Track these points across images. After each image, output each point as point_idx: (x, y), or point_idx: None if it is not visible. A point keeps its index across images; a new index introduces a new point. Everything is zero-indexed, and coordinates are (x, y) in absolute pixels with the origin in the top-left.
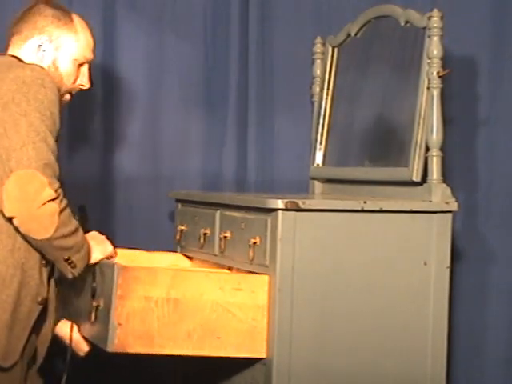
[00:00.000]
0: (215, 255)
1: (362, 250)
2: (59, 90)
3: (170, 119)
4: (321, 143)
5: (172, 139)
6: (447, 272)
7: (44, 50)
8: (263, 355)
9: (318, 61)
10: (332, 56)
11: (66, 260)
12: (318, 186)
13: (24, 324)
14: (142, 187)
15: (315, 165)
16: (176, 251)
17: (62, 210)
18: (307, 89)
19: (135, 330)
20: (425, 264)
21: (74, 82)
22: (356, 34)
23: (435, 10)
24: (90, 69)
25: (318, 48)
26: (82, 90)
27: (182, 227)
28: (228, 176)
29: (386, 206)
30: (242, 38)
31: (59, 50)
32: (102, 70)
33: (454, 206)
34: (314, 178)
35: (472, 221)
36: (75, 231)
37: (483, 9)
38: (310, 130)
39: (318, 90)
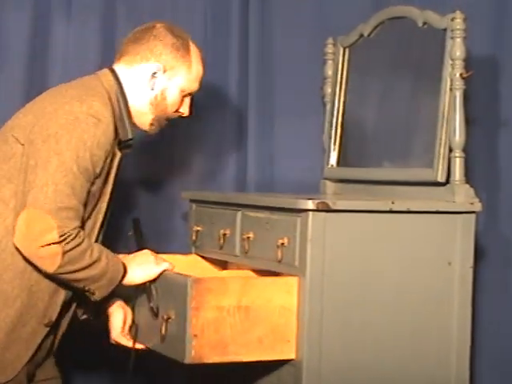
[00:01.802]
0: (236, 256)
1: (388, 250)
2: (159, 119)
3: None
4: (335, 143)
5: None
6: (471, 272)
7: (156, 78)
8: (293, 356)
9: (330, 61)
10: (343, 56)
11: (83, 288)
12: (329, 187)
13: (28, 344)
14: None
15: (329, 165)
16: (190, 252)
17: (67, 251)
18: (307, 89)
19: (210, 340)
20: (449, 264)
21: (176, 111)
22: (369, 35)
23: (458, 12)
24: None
25: (330, 48)
26: (180, 117)
27: (198, 228)
28: (228, 176)
29: (413, 207)
30: (243, 38)
31: (171, 80)
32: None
33: (477, 207)
34: (327, 179)
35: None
36: (89, 265)
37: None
38: (309, 129)
39: (329, 90)
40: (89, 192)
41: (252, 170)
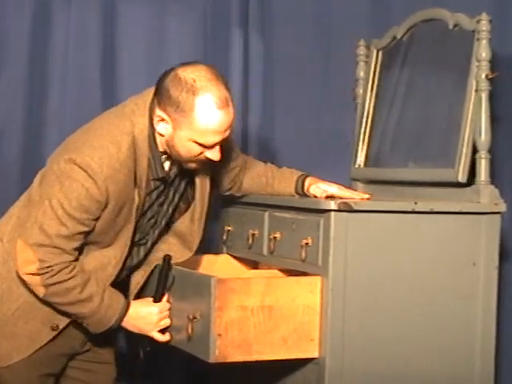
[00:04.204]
0: (264, 255)
1: (412, 251)
2: (186, 161)
3: None
4: (363, 144)
5: None
6: (496, 272)
7: (160, 125)
8: (315, 355)
9: (362, 63)
10: (376, 58)
11: (76, 319)
12: (359, 187)
13: (30, 342)
14: None
15: (357, 165)
16: (221, 252)
17: (50, 285)
18: (307, 89)
19: (234, 339)
20: (474, 264)
21: (200, 155)
22: (402, 37)
23: (484, 14)
24: (221, 145)
25: (362, 50)
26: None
27: (229, 227)
28: None
29: (436, 207)
30: (243, 38)
31: (176, 131)
32: (103, 70)
33: (502, 207)
34: (355, 179)
35: None
36: (77, 303)
37: None
38: (309, 130)
39: (361, 91)
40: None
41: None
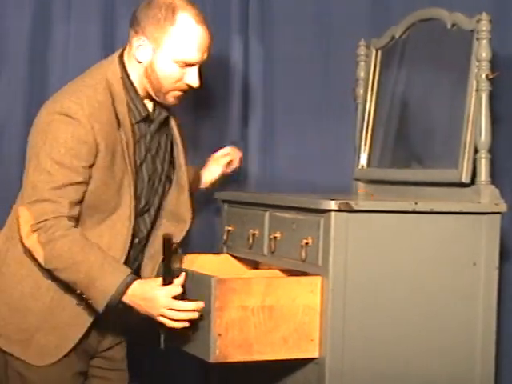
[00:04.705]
0: (264, 255)
1: (412, 251)
2: (165, 92)
3: None
4: (365, 144)
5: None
6: (496, 272)
7: (140, 51)
8: (316, 355)
9: (362, 63)
10: (376, 58)
11: (82, 295)
12: (361, 187)
13: (73, 329)
14: None
15: (360, 166)
16: (221, 252)
17: (46, 243)
18: (307, 89)
19: (234, 339)
20: (474, 265)
21: (179, 82)
22: (400, 37)
23: (484, 14)
24: (199, 68)
25: (362, 50)
26: (191, 88)
27: (229, 228)
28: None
29: (437, 207)
30: (243, 38)
31: (156, 52)
32: None
33: (502, 207)
34: (358, 179)
35: None
36: (74, 266)
37: None
38: (310, 130)
39: (361, 92)
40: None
41: (253, 170)
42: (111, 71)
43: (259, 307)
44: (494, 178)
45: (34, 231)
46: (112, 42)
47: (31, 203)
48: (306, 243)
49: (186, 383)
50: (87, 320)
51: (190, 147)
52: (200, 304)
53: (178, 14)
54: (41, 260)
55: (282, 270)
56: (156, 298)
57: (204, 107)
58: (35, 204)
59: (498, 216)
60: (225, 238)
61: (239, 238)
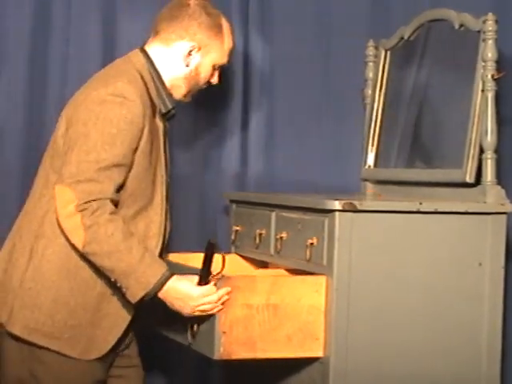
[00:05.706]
0: (271, 255)
1: (417, 251)
2: (191, 90)
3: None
4: (372, 145)
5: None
6: (502, 272)
7: (191, 56)
8: (320, 354)
9: (371, 63)
10: (385, 59)
11: (115, 283)
12: (369, 187)
13: (120, 319)
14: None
15: (367, 166)
16: (230, 252)
17: (90, 226)
18: (307, 89)
19: (239, 337)
20: (479, 265)
21: (207, 82)
22: (409, 38)
23: (490, 14)
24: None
25: (371, 51)
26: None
27: (237, 228)
28: (228, 177)
29: (441, 207)
30: (243, 38)
31: (204, 57)
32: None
33: (508, 208)
34: (365, 180)
35: None
36: (116, 253)
37: None
38: (309, 130)
39: (369, 92)
40: (131, 166)
41: (253, 170)
42: (140, 63)
43: (264, 305)
44: (500, 178)
45: (79, 211)
46: (112, 42)
47: (76, 183)
48: (311, 243)
49: (190, 381)
50: (130, 312)
51: (190, 147)
52: (228, 289)
53: (222, 23)
54: (78, 242)
55: (288, 270)
56: (189, 296)
57: (204, 107)
58: (80, 184)
59: (504, 216)
60: (233, 237)
61: (247, 238)
